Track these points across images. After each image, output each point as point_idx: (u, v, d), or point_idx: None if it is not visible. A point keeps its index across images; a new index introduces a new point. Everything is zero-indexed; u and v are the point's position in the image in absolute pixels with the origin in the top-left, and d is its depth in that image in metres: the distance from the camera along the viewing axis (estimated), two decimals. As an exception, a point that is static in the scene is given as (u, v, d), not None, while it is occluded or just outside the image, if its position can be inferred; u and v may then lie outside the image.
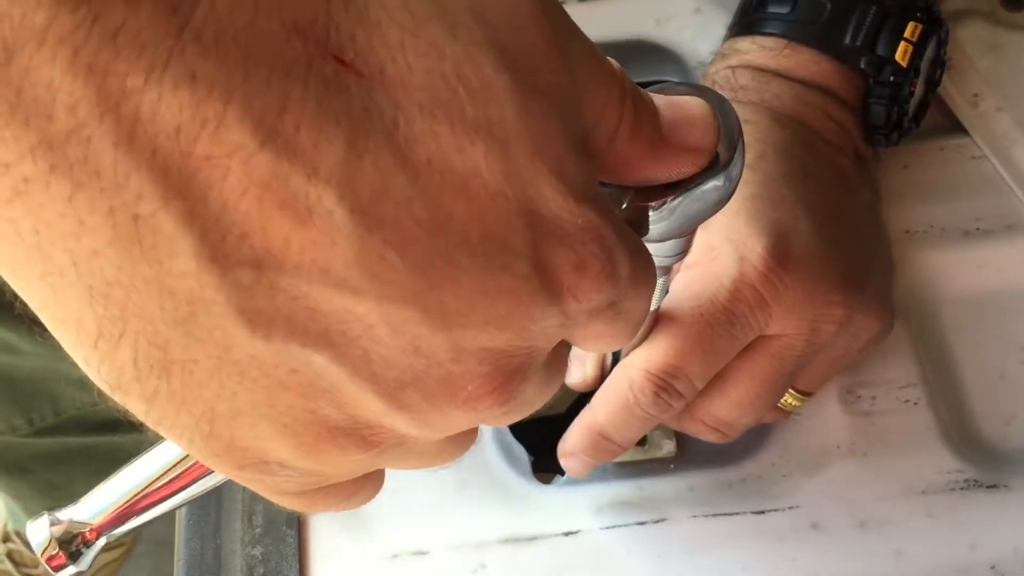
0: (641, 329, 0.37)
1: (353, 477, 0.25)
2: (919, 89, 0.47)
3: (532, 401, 0.24)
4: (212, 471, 0.26)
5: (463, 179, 0.19)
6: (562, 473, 0.45)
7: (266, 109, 0.18)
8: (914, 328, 0.48)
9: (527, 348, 0.22)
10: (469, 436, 0.26)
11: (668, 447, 0.45)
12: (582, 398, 0.56)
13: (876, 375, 0.47)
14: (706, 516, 0.44)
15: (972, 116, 0.53)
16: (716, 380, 0.40)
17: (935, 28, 0.45)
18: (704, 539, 0.44)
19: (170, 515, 0.29)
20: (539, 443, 0.46)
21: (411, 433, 0.22)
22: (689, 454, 0.45)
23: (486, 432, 0.46)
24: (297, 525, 0.43)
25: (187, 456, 0.27)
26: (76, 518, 0.29)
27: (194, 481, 0.28)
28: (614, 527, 0.44)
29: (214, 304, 0.19)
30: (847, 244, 0.41)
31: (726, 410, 0.40)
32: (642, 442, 0.45)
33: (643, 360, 0.38)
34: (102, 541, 0.29)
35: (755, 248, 0.38)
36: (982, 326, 0.49)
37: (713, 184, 0.26)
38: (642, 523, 0.44)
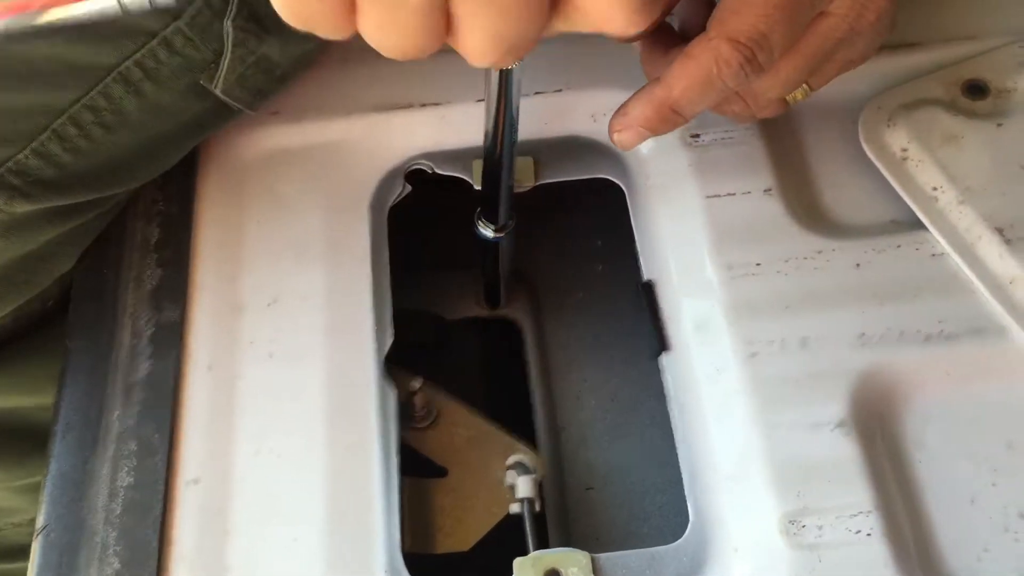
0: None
1: None
2: None
3: None
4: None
5: None
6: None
7: None
8: (869, 446, 0.42)
9: None
10: None
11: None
12: (488, 536, 0.51)
13: (823, 501, 0.40)
14: (623, 670, 0.38)
15: (931, 210, 0.48)
16: None
17: None
18: None
19: None
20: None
21: None
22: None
23: None
24: None
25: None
26: None
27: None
28: None
29: None
30: None
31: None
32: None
33: (730, 30, 0.39)
34: None
35: None
36: (948, 443, 0.43)
37: None
38: None
